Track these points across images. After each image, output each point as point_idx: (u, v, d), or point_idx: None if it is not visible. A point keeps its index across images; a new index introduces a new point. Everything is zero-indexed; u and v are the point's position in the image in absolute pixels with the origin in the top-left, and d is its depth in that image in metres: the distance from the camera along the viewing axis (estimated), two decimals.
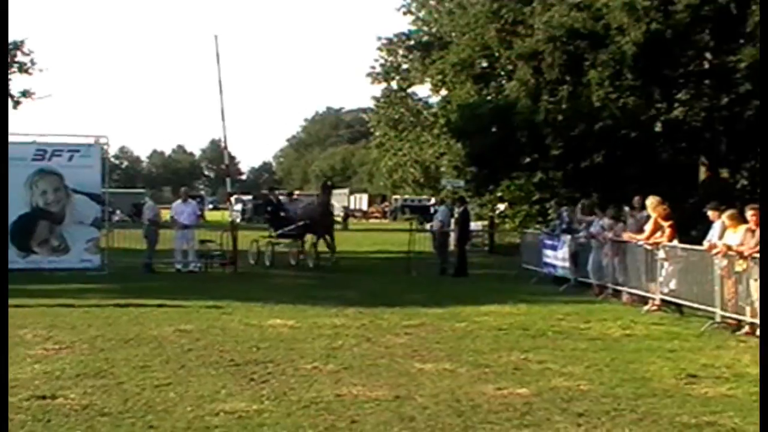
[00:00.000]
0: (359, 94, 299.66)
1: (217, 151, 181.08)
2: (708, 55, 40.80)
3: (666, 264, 22.31)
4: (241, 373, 13.80)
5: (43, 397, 11.86)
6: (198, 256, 32.82)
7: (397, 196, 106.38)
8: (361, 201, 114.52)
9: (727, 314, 19.42)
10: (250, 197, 79.44)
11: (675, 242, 22.43)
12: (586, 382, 13.38)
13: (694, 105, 40.00)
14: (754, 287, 18.64)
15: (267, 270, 33.52)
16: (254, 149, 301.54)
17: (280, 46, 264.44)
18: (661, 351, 16.63)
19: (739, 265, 19.21)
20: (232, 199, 46.46)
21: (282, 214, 37.87)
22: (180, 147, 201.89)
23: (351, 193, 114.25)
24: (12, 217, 26.94)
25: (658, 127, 39.97)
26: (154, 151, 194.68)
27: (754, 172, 41.59)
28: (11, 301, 20.86)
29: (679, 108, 39.99)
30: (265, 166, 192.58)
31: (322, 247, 36.75)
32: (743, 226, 19.63)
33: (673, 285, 21.90)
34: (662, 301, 22.01)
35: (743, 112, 39.14)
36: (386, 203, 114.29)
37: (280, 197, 43.79)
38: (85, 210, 30.14)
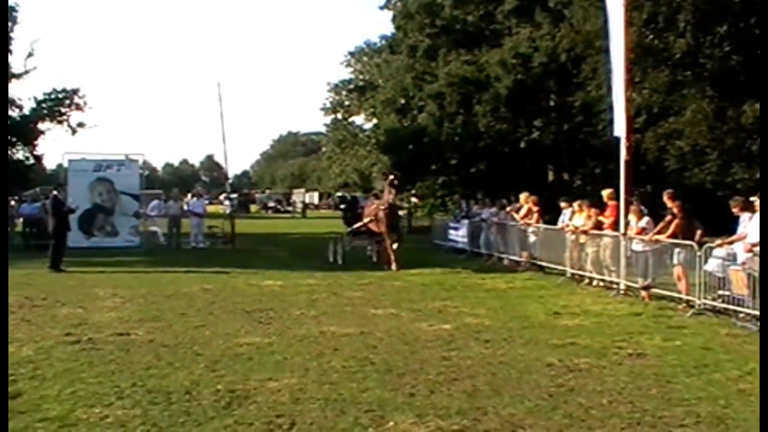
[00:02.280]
0: (311, 121, 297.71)
1: (211, 162, 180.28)
2: (553, 96, 41.30)
3: (533, 237, 22.72)
4: (252, 318, 13.80)
5: (121, 334, 11.97)
6: (206, 237, 32.66)
7: (339, 193, 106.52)
8: (313, 197, 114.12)
9: (574, 271, 19.86)
10: (235, 195, 79.50)
11: (540, 223, 22.87)
12: (488, 320, 13.56)
13: (545, 130, 40.49)
14: (590, 252, 19.22)
15: (256, 247, 32.18)
16: (237, 161, 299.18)
17: (256, 85, 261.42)
18: (533, 297, 16.84)
19: (582, 239, 19.72)
20: (221, 197, 45.74)
21: (358, 211, 26.79)
22: (184, 160, 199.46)
23: (306, 191, 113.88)
24: (79, 211, 26.92)
25: (522, 145, 40.32)
26: (166, 163, 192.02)
27: (584, 175, 42.34)
28: (85, 269, 21.01)
29: (536, 132, 40.47)
30: (245, 174, 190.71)
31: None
32: (585, 213, 20.11)
33: (537, 252, 22.30)
34: (530, 263, 22.39)
35: (578, 135, 39.86)
36: (330, 198, 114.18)
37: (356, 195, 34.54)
38: (128, 205, 30.28)
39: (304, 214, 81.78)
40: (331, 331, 12.45)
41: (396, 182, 24.14)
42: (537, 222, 22.88)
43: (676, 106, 33.99)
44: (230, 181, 43.10)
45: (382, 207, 23.65)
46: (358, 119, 64.00)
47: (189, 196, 40.18)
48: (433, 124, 41.87)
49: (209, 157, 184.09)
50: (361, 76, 60.64)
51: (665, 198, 16.86)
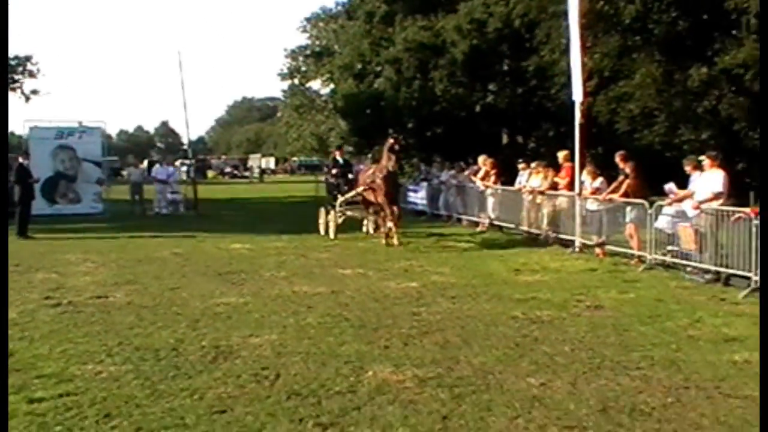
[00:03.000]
0: (267, 86, 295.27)
1: (166, 129, 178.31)
2: (508, 61, 41.63)
3: (491, 199, 23.17)
4: (225, 280, 14.01)
5: (99, 297, 12.22)
6: (169, 203, 32.65)
7: (295, 158, 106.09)
8: (269, 162, 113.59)
9: (530, 230, 20.39)
10: (191, 161, 78.42)
11: (497, 185, 23.32)
12: (453, 278, 13.96)
13: (500, 94, 40.92)
14: (545, 212, 19.74)
15: (218, 212, 32.16)
16: (192, 127, 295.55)
17: (214, 50, 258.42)
18: (494, 256, 17.25)
19: (538, 199, 20.21)
20: (177, 162, 45.44)
21: (350, 176, 22.61)
22: (139, 126, 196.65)
23: (262, 156, 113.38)
24: (42, 179, 27.00)
25: (477, 109, 40.74)
26: (121, 130, 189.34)
27: (538, 137, 42.84)
28: (53, 236, 21.10)
29: (491, 96, 40.92)
30: (201, 140, 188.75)
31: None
32: (541, 174, 20.60)
33: (495, 213, 22.75)
34: (489, 223, 22.83)
35: (532, 98, 40.31)
36: (287, 164, 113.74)
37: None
38: (91, 173, 30.50)
39: (261, 179, 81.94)
40: (303, 291, 12.75)
41: (397, 147, 19.98)
42: (495, 183, 23.33)
43: (626, 70, 34.45)
44: (185, 147, 42.39)
45: (380, 174, 19.83)
46: (315, 84, 63.94)
47: (146, 163, 39.81)
48: (391, 88, 42.03)
49: (164, 124, 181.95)
50: (317, 42, 60.45)
51: (618, 159, 17.35)
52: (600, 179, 17.90)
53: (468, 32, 39.26)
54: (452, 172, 27.37)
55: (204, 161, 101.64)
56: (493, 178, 23.46)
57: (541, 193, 19.95)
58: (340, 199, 21.54)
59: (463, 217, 25.07)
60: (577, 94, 18.25)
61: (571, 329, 9.81)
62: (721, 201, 13.86)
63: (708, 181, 14.17)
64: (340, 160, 23.34)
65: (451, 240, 20.64)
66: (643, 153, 27.53)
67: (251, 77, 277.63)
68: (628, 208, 16.22)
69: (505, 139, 43.33)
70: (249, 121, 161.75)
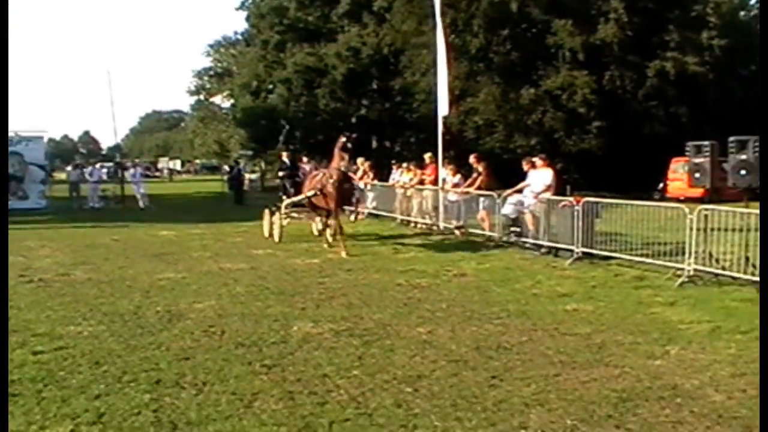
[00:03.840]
0: (172, 100, 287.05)
1: (88, 137, 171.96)
2: (377, 81, 42.32)
3: (370, 193, 23.62)
4: (161, 260, 13.97)
5: (63, 275, 12.14)
6: (100, 199, 31.95)
7: (198, 161, 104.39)
8: (176, 164, 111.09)
9: (403, 217, 20.94)
10: (111, 164, 75.67)
11: (375, 181, 23.82)
12: (347, 255, 14.29)
13: (371, 108, 41.68)
14: (415, 203, 20.35)
15: (142, 208, 30.56)
16: (109, 135, 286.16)
17: (126, 67, 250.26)
18: (376, 238, 17.77)
19: (408, 192, 20.81)
20: (97, 165, 44.25)
21: (298, 179, 18.14)
22: (65, 135, 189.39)
23: (170, 159, 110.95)
24: None
25: (353, 120, 41.31)
26: (50, 139, 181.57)
27: (402, 143, 43.64)
28: (10, 227, 20.51)
29: (364, 109, 41.61)
30: (117, 146, 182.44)
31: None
32: (411, 172, 21.22)
33: (374, 204, 23.22)
34: (369, 213, 23.24)
35: (397, 111, 41.16)
36: (191, 165, 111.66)
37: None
38: (36, 174, 29.76)
39: (171, 178, 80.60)
40: (227, 267, 12.88)
41: (349, 145, 15.60)
42: (372, 180, 23.84)
43: (472, 90, 35.62)
44: (104, 152, 41.35)
45: (331, 178, 15.50)
46: (218, 99, 63.20)
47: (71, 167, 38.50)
48: (283, 103, 42.23)
49: (86, 133, 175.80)
50: (219, 64, 59.88)
51: (472, 160, 18.10)
52: (458, 176, 18.61)
53: (346, 58, 39.90)
54: None
55: (120, 164, 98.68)
56: (371, 176, 23.97)
57: (411, 187, 20.58)
58: (286, 201, 17.57)
59: (345, 207, 25.28)
60: (443, 109, 18.89)
61: (445, 292, 10.37)
62: (550, 192, 14.79)
63: (541, 176, 15.04)
64: (287, 161, 19.13)
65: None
66: (488, 155, 28.65)
67: (158, 92, 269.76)
68: (481, 199, 16.90)
69: (374, 144, 43.99)
70: (158, 129, 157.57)
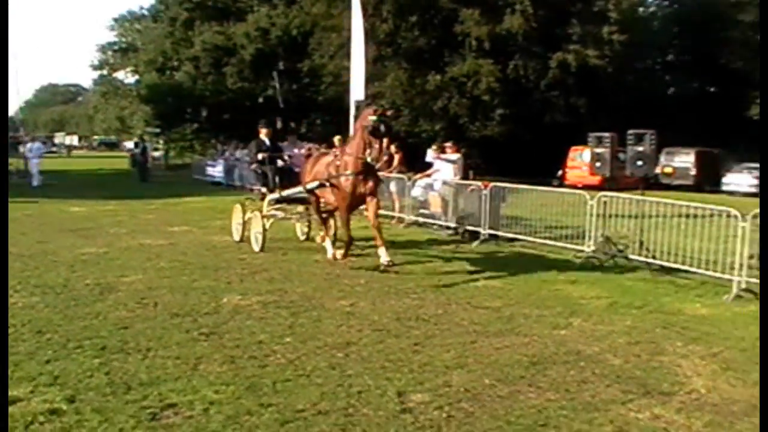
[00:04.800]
0: (73, 73, 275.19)
1: None
2: (286, 62, 42.35)
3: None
4: (78, 235, 13.99)
5: None
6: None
7: (96, 137, 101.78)
8: (73, 140, 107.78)
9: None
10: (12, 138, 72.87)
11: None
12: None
13: (279, 88, 41.80)
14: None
15: (45, 181, 29.56)
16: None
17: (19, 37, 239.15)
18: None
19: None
20: None
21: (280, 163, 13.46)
22: None
23: (67, 134, 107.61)
24: None
25: (261, 100, 41.37)
26: None
27: (308, 124, 43.85)
28: None
29: (271, 90, 41.55)
30: (11, 119, 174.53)
31: None
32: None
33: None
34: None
35: (304, 93, 41.44)
36: (89, 141, 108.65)
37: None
38: None
39: (69, 154, 78.47)
40: (147, 243, 13.03)
41: (383, 128, 10.41)
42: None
43: (380, 74, 36.19)
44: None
45: (350, 168, 10.84)
46: (121, 75, 61.82)
47: None
48: (190, 81, 41.86)
49: None
50: (124, 39, 58.52)
51: (384, 143, 18.64)
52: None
53: (254, 38, 39.80)
54: (245, 151, 27.85)
55: (15, 138, 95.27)
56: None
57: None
58: (270, 196, 13.11)
59: (254, 187, 25.39)
60: (358, 93, 19.32)
61: (362, 270, 10.86)
62: (459, 176, 15.53)
63: (450, 161, 15.77)
64: (266, 140, 13.38)
65: (250, 203, 20.76)
66: (395, 139, 29.39)
67: (54, 64, 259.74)
68: (392, 181, 17.52)
69: (279, 125, 44.02)
70: (54, 103, 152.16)
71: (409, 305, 8.57)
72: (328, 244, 12.34)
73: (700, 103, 40.86)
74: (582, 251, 12.03)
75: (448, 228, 15.15)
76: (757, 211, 10.07)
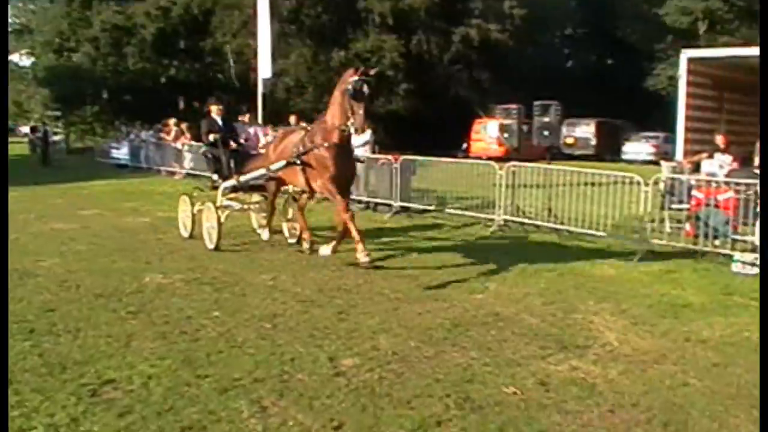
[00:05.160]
0: None
1: None
2: (188, 42, 41.60)
3: (188, 154, 23.57)
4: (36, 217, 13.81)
5: None
6: None
7: (214, 110, 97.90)
8: None
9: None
10: None
11: (192, 142, 23.80)
12: (173, 213, 13.29)
13: (180, 68, 41.10)
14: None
15: None
16: None
17: None
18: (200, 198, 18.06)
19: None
20: None
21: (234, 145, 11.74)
22: None
23: None
24: None
25: (163, 80, 40.63)
26: None
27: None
28: None
29: (173, 70, 40.93)
30: None
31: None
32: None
33: (191, 165, 23.19)
34: (186, 174, 23.17)
35: (206, 72, 40.95)
36: None
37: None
38: None
39: None
40: (59, 227, 12.75)
41: (366, 90, 9.07)
42: (189, 140, 23.81)
43: (283, 51, 36.09)
44: None
45: (329, 140, 9.35)
46: (16, 57, 59.22)
47: None
48: (89, 62, 40.64)
49: None
50: (18, 20, 56.04)
51: (293, 120, 18.88)
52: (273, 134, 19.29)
53: (155, 17, 38.96)
54: (151, 132, 27.46)
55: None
56: (188, 137, 23.94)
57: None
58: (225, 183, 11.40)
59: (162, 168, 25.12)
60: (265, 71, 19.31)
61: (278, 245, 11.04)
62: (369, 150, 15.80)
63: (361, 136, 15.99)
64: (218, 119, 11.81)
65: (158, 185, 20.78)
66: (301, 116, 29.49)
67: None
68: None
69: (181, 105, 43.28)
70: None
71: (330, 277, 8.82)
72: (255, 221, 12.12)
73: (598, 75, 42.37)
74: (492, 220, 12.51)
75: (359, 202, 15.38)
76: (659, 175, 10.91)
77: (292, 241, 11.27)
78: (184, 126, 24.20)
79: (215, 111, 12.01)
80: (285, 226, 11.60)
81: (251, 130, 13.29)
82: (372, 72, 9.39)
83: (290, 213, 11.67)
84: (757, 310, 7.41)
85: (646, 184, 10.49)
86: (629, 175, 10.86)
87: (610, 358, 5.97)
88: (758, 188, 10.01)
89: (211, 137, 11.62)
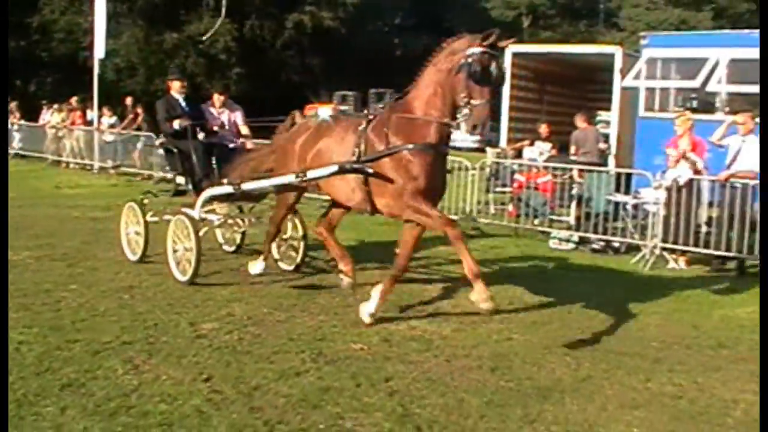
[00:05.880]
0: None
1: None
2: (12, 17, 39.31)
3: (17, 134, 22.57)
4: None
5: None
6: None
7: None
8: None
9: (54, 158, 20.58)
10: None
11: (21, 121, 22.96)
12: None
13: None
14: (67, 144, 20.25)
15: None
16: None
17: None
18: (35, 177, 17.61)
19: (60, 133, 20.59)
20: None
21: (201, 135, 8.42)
22: None
23: None
24: None
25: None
26: None
27: (38, 83, 40.86)
28: None
29: None
30: None
31: None
32: (63, 113, 20.98)
33: (21, 144, 22.25)
34: (15, 154, 21.92)
35: (34, 50, 38.90)
36: None
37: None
38: None
39: None
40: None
41: (496, 71, 5.78)
42: (19, 120, 22.92)
43: (114, 32, 35.03)
44: None
45: (410, 141, 6.05)
46: None
47: None
48: None
49: None
50: None
51: (129, 102, 18.72)
52: (114, 118, 19.11)
53: None
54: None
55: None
56: (17, 116, 23.02)
57: (65, 127, 20.40)
58: (212, 191, 7.97)
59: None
60: (99, 51, 18.91)
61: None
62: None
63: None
64: (180, 100, 8.82)
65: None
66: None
67: None
68: (141, 138, 17.58)
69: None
70: None
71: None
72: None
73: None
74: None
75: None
76: (485, 160, 12.08)
77: (286, 267, 8.38)
78: (13, 105, 23.21)
79: (177, 88, 8.88)
80: (274, 246, 8.19)
81: (224, 116, 9.33)
82: (503, 42, 6.08)
83: (289, 228, 8.42)
84: (572, 279, 8.72)
85: (473, 169, 11.49)
86: (458, 160, 11.70)
87: (443, 319, 6.75)
88: (573, 173, 11.47)
89: (176, 124, 8.46)
